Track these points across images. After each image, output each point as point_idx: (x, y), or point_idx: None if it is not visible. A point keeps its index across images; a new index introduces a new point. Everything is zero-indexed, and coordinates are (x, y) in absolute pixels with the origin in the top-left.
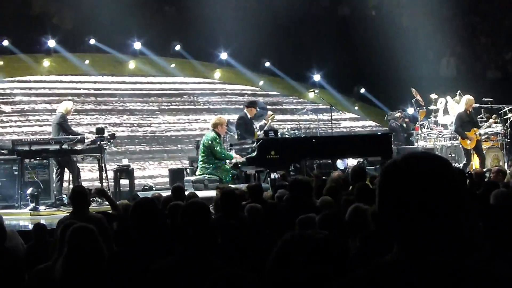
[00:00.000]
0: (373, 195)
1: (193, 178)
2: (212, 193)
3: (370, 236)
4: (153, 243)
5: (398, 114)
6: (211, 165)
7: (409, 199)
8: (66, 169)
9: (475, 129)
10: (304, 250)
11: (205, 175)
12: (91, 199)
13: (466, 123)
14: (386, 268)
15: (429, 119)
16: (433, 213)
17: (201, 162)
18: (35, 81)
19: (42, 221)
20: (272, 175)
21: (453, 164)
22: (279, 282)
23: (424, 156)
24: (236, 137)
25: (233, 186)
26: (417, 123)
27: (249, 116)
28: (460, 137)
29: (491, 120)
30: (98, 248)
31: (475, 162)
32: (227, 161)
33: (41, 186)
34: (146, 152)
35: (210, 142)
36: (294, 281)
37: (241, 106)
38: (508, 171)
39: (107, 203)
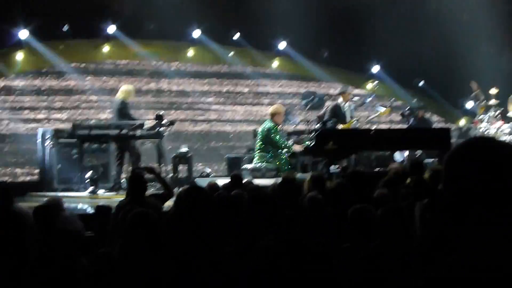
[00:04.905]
0: (429, 188)
1: (250, 166)
2: (270, 181)
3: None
4: (202, 231)
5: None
6: (268, 153)
7: (478, 186)
8: (126, 154)
9: None
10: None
11: (262, 163)
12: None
13: None
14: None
15: (489, 114)
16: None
17: (259, 151)
18: (94, 67)
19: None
20: (332, 168)
21: None
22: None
23: (490, 141)
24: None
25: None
26: (476, 117)
27: (342, 103)
28: None
29: None
30: (155, 234)
31: None
32: (285, 150)
33: (100, 169)
34: (204, 139)
35: (268, 131)
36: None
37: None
38: None
39: None
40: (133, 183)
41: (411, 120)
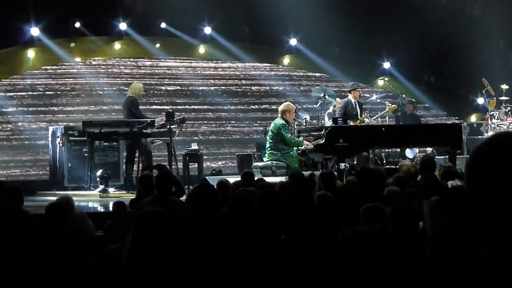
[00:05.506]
0: (440, 186)
1: (260, 164)
2: (280, 179)
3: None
4: (210, 230)
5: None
6: (279, 151)
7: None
8: (136, 152)
9: None
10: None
11: (272, 161)
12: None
13: None
14: (484, 266)
15: (499, 110)
16: None
17: (269, 149)
18: (105, 64)
19: (111, 204)
20: (342, 165)
21: None
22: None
23: None
24: (304, 123)
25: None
26: (487, 113)
27: (353, 100)
28: None
29: None
30: (165, 234)
31: None
32: (295, 147)
33: (111, 168)
34: (214, 136)
35: (278, 128)
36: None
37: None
38: None
39: None
40: (160, 181)
41: (399, 115)
